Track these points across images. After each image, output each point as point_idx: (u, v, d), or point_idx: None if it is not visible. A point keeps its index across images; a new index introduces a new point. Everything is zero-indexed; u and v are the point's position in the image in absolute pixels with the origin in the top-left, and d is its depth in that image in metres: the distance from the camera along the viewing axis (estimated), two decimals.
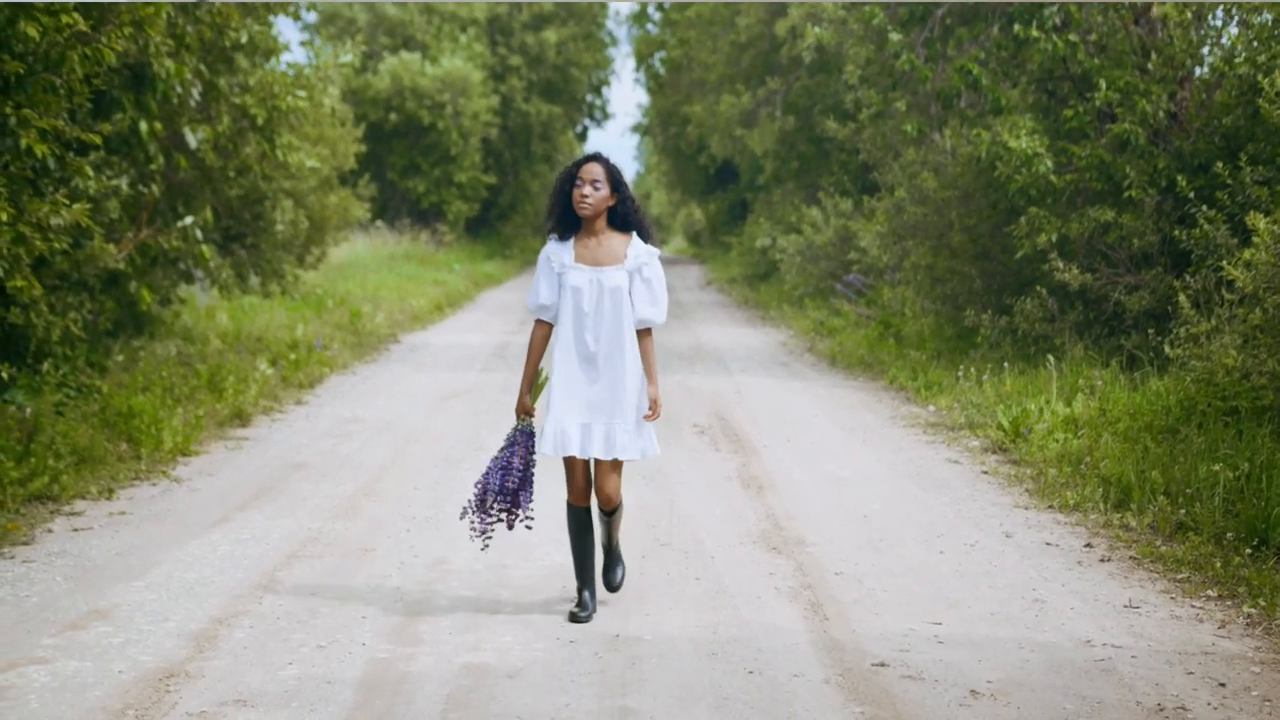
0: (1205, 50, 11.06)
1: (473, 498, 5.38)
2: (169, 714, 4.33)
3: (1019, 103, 12.48)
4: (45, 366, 8.89)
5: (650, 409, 5.41)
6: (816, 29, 16.21)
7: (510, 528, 5.42)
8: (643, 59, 38.98)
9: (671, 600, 5.68)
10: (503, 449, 5.41)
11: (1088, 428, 8.73)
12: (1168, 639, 5.22)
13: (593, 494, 5.47)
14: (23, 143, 7.31)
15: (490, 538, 5.44)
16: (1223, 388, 7.87)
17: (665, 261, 5.80)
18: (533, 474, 5.40)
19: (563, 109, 39.00)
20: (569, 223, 5.42)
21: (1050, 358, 10.54)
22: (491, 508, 5.35)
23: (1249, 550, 6.28)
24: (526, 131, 37.77)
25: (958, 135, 13.31)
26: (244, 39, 10.91)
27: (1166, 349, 8.66)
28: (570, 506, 5.47)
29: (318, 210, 16.71)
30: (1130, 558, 6.44)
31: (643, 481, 8.00)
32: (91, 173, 8.67)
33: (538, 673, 4.75)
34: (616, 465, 5.38)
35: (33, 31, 7.21)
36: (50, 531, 6.72)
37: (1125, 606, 5.65)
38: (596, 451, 5.30)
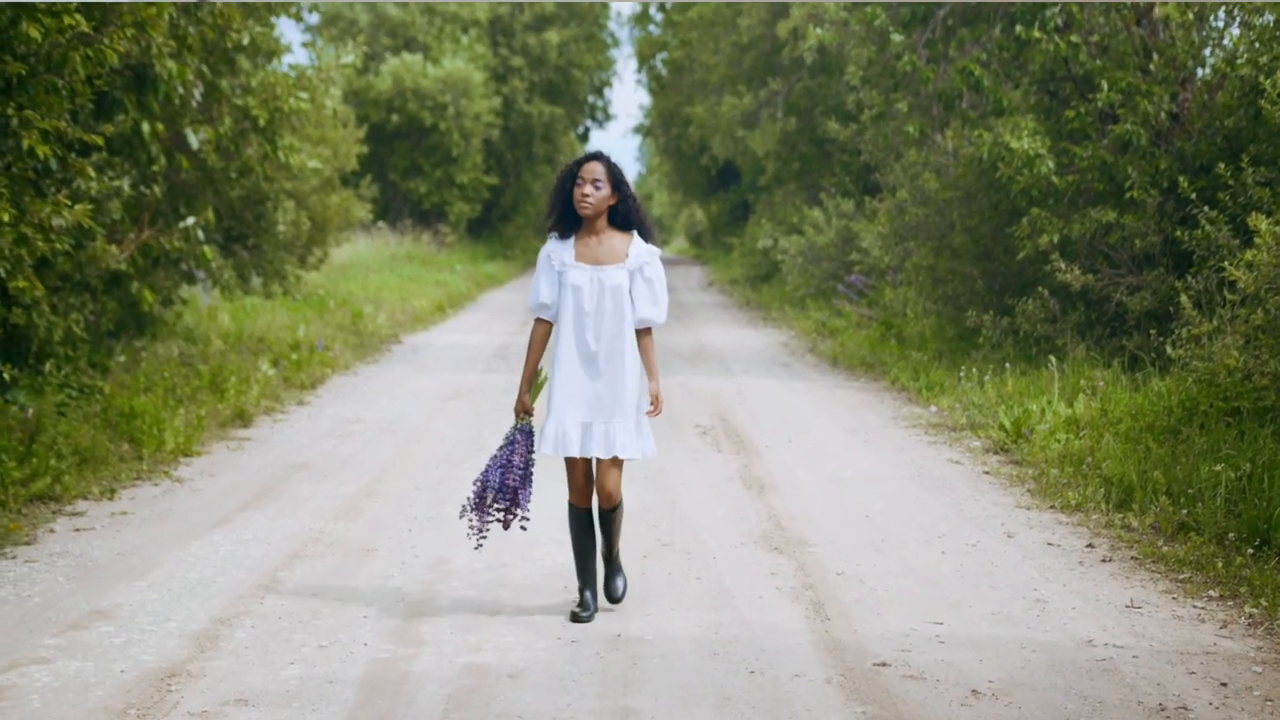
0: (1207, 51, 11.06)
1: (471, 495, 5.37)
2: (171, 713, 4.33)
3: (1021, 104, 12.48)
4: (47, 367, 8.90)
5: (652, 404, 5.41)
6: (818, 30, 16.22)
7: (506, 528, 5.41)
8: (644, 60, 39.01)
9: (673, 600, 5.68)
10: (502, 447, 5.40)
11: (1089, 428, 8.73)
12: (1169, 639, 5.22)
13: (594, 494, 5.47)
14: (25, 144, 7.32)
15: (485, 536, 5.43)
16: (1224, 388, 7.87)
17: (667, 262, 5.81)
18: (532, 472, 5.39)
19: (564, 110, 39.01)
20: (570, 221, 5.41)
21: (1052, 358, 10.54)
22: (491, 506, 5.35)
23: (1251, 550, 6.28)
24: (528, 133, 37.78)
25: (959, 136, 13.31)
26: (246, 40, 10.92)
27: (1168, 350, 8.66)
28: (571, 507, 5.47)
29: (319, 211, 16.73)
30: (1132, 558, 6.43)
31: (645, 482, 8.00)
32: (93, 174, 8.67)
33: (539, 673, 4.75)
34: (617, 462, 5.37)
35: (35, 32, 7.22)
36: (52, 532, 6.72)
37: (1127, 606, 5.65)
38: (597, 451, 5.30)
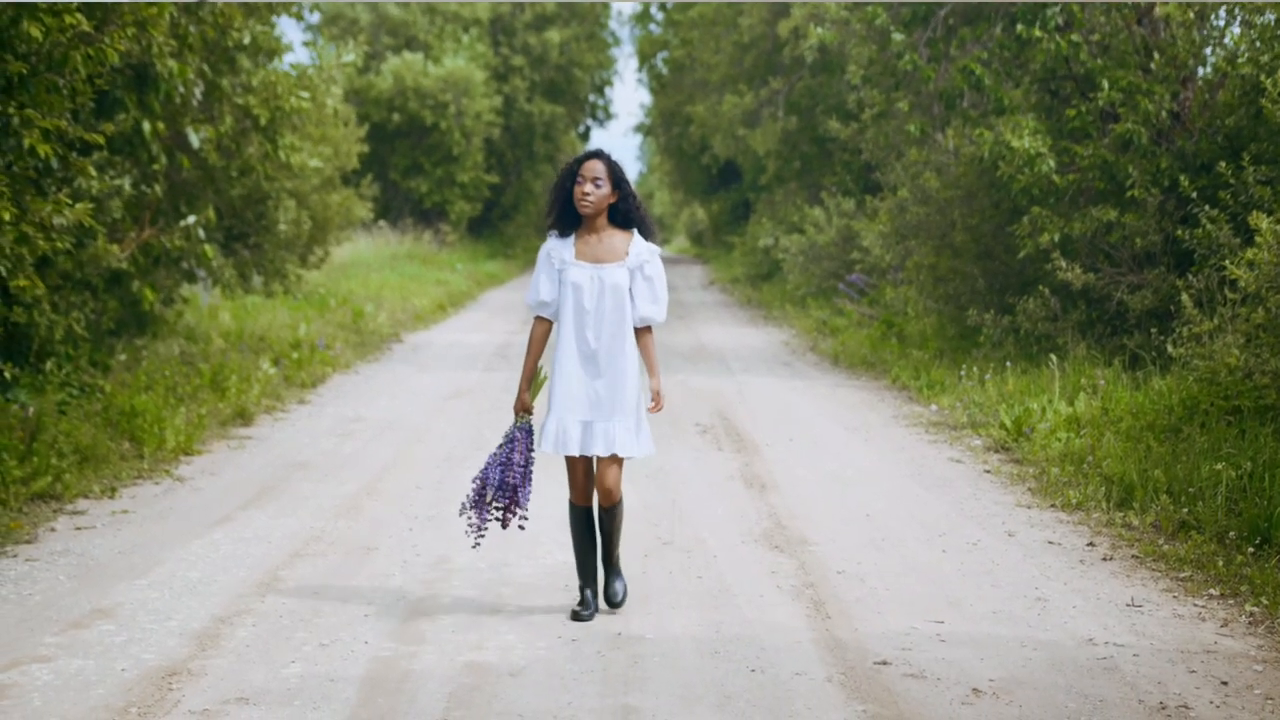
0: (1208, 50, 11.06)
1: (471, 493, 5.37)
2: (171, 712, 4.33)
3: (1021, 103, 12.48)
4: (48, 366, 8.91)
5: (653, 401, 5.40)
6: (819, 29, 16.23)
7: (505, 526, 5.40)
8: (645, 59, 39.01)
9: (674, 599, 5.68)
10: (501, 445, 5.39)
11: (1090, 427, 8.74)
12: (1170, 637, 5.22)
13: (594, 493, 5.47)
14: (26, 143, 7.32)
15: (484, 534, 5.42)
16: (1225, 387, 7.87)
17: (667, 261, 5.81)
18: (532, 471, 5.39)
19: (565, 109, 39.01)
20: (570, 219, 5.40)
21: (1053, 357, 10.54)
22: (490, 504, 5.34)
23: (1251, 549, 6.28)
24: (529, 131, 37.78)
25: (960, 135, 13.31)
26: (247, 39, 10.92)
27: (1169, 348, 8.67)
28: (572, 505, 5.47)
29: (320, 210, 16.73)
30: (1133, 556, 6.43)
31: (645, 480, 8.00)
32: (94, 172, 8.68)
33: (540, 671, 4.76)
34: (617, 460, 5.36)
35: (36, 32, 7.22)
36: (53, 530, 6.73)
37: (1128, 605, 5.65)
38: (597, 449, 5.30)
